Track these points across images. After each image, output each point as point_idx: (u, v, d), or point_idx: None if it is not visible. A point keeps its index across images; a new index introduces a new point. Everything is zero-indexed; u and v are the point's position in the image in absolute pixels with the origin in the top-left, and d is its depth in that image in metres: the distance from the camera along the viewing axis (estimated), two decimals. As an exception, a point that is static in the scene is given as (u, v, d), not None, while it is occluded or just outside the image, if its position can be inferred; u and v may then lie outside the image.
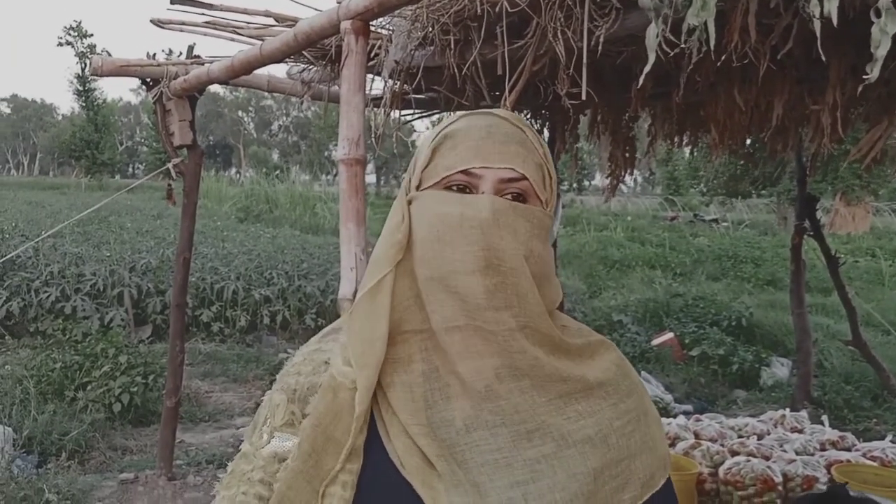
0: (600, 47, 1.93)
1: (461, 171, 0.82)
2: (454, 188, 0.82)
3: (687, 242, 15.74)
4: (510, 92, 2.22)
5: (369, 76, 3.09)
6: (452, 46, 2.36)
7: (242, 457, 0.90)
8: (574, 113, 3.98)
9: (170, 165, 4.21)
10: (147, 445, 4.52)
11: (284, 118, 73.59)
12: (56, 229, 4.15)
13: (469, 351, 0.79)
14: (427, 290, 0.80)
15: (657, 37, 1.55)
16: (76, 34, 48.42)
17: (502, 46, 2.28)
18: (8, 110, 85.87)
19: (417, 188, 0.86)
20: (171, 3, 2.88)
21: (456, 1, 2.28)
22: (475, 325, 0.78)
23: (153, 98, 4.09)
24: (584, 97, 1.98)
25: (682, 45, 1.43)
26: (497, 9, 2.06)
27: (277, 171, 33.76)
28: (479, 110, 0.88)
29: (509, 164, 0.81)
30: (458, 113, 0.89)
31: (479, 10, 2.11)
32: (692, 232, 19.84)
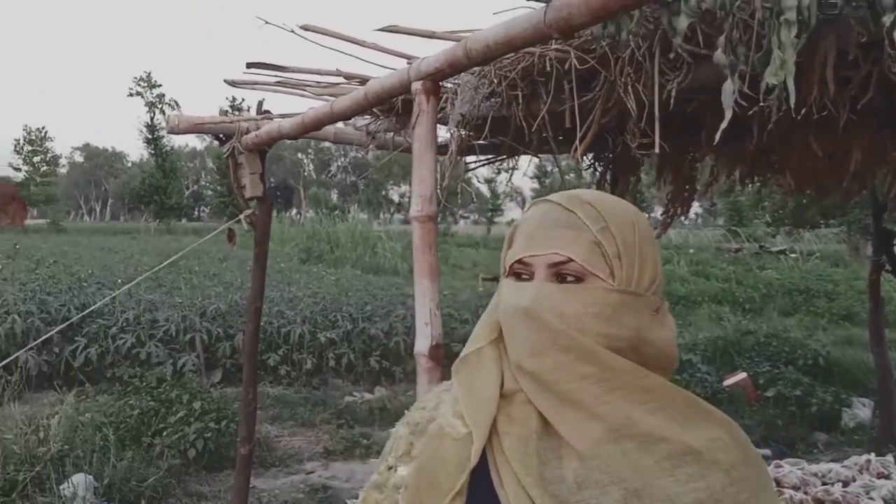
0: (672, 101, 1.94)
1: (517, 261, 0.89)
2: (517, 276, 0.90)
3: (754, 276, 15.31)
4: (580, 142, 2.23)
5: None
6: (520, 101, 2.40)
7: (374, 486, 1.00)
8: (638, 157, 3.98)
9: (242, 217, 4.34)
10: (221, 491, 4.60)
11: (342, 159, 75.17)
12: (137, 281, 4.32)
13: (563, 417, 0.84)
14: (513, 369, 0.88)
15: (733, 93, 1.55)
16: (146, 85, 50.70)
17: (570, 100, 2.31)
18: (81, 159, 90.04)
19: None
20: (247, 66, 3.01)
21: (523, 58, 2.32)
22: (559, 398, 0.84)
23: (226, 153, 4.24)
24: (657, 149, 1.98)
25: (762, 104, 1.42)
26: (566, 66, 2.09)
27: (336, 212, 34.40)
28: (544, 198, 0.94)
29: (554, 248, 0.87)
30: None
31: (547, 67, 2.14)
32: (759, 264, 19.29)
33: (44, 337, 4.44)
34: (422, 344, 2.16)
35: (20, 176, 51.94)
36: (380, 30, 2.25)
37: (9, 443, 4.35)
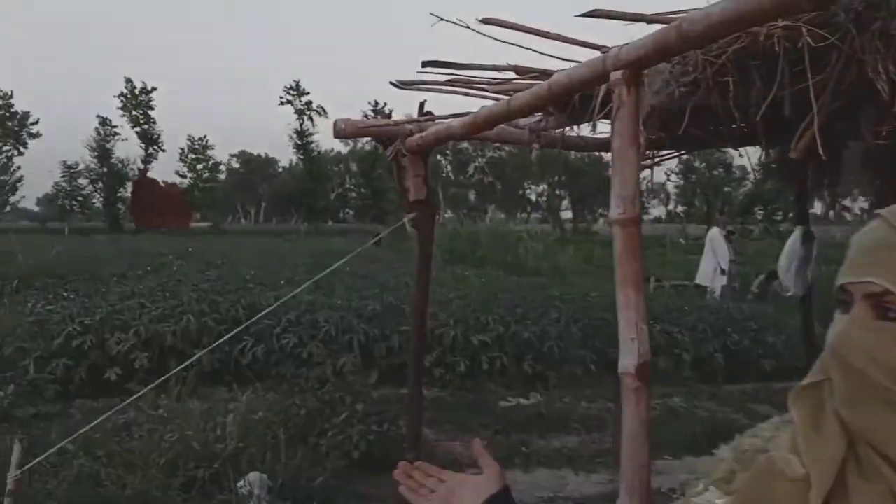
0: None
1: (839, 287, 0.75)
2: (843, 305, 0.75)
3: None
4: (817, 128, 1.95)
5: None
6: (732, 88, 2.14)
7: None
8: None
9: (406, 220, 4.32)
10: (386, 494, 4.59)
11: (480, 160, 75.63)
12: (307, 285, 4.42)
13: None
14: None
15: None
16: (295, 93, 53.45)
17: (790, 85, 2.03)
18: (237, 165, 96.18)
19: None
20: (423, 65, 2.93)
21: (735, 40, 2.07)
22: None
23: (390, 156, 4.22)
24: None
25: None
26: (799, 44, 1.82)
27: (475, 213, 34.62)
28: (878, 211, 0.77)
29: (868, 276, 0.71)
30: None
31: (776, 47, 1.88)
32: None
33: (225, 337, 4.63)
34: (628, 361, 1.96)
35: (185, 182, 56.18)
36: (581, 15, 2.07)
37: (189, 439, 4.54)
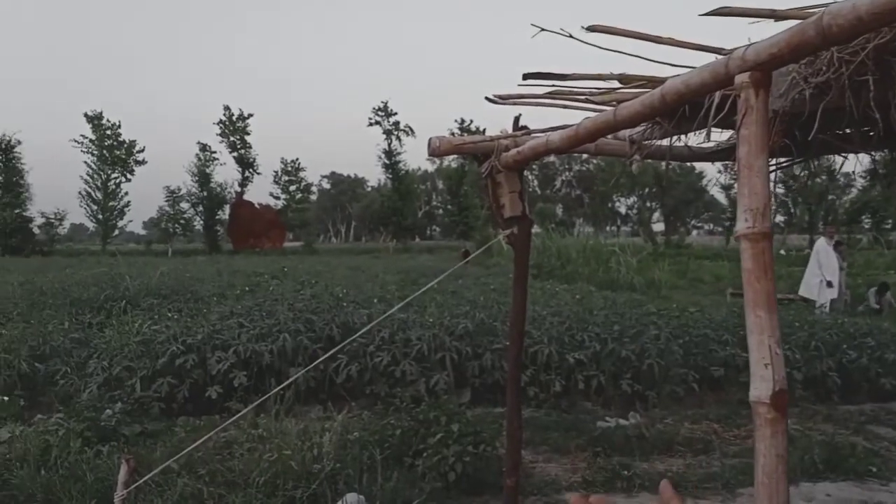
0: None
1: None
2: None
3: None
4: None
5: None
6: (873, 87, 1.94)
7: None
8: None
9: (501, 237, 4.21)
10: (484, 520, 4.47)
11: (567, 173, 74.89)
12: (403, 303, 4.37)
13: None
14: None
15: None
16: (383, 114, 54.53)
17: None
18: (328, 185, 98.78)
19: None
20: (524, 77, 2.83)
21: (877, 35, 1.87)
22: None
23: (484, 172, 4.13)
24: None
25: None
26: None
27: (562, 227, 34.18)
28: None
29: None
30: None
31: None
32: None
33: (323, 357, 4.64)
34: (761, 389, 1.78)
35: (279, 203, 58.03)
36: (706, 14, 1.92)
37: (287, 459, 4.55)
